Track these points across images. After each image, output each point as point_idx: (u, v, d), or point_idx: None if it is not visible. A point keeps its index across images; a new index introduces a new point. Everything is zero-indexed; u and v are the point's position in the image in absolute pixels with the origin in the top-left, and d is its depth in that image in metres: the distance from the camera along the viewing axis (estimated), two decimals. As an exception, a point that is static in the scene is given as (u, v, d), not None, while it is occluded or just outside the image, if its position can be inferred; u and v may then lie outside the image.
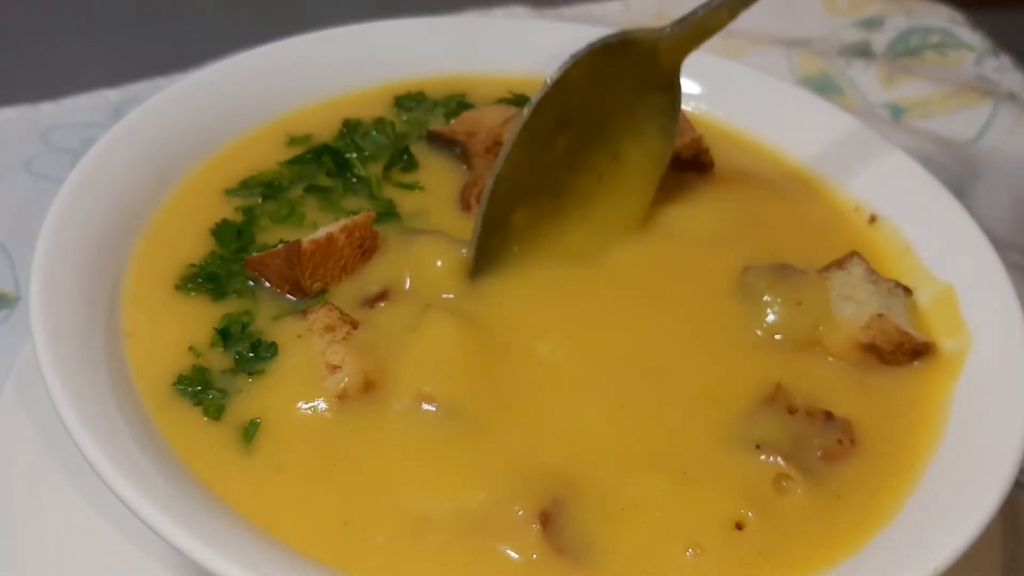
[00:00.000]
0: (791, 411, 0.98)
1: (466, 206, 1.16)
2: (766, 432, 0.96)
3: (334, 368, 0.96)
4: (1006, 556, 1.08)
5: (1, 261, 1.35)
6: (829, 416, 0.98)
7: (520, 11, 1.87)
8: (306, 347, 0.98)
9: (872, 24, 1.93)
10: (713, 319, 1.08)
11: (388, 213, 1.15)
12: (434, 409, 0.95)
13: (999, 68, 1.84)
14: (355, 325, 1.00)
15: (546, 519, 0.87)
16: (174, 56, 1.63)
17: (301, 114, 1.29)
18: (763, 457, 0.94)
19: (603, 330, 1.05)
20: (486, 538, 0.87)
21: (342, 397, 0.95)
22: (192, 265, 1.08)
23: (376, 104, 1.32)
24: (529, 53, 1.40)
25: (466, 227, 1.11)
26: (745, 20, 1.90)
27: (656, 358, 1.03)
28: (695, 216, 1.20)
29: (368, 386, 0.96)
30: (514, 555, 0.86)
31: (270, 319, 1.03)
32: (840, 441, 0.97)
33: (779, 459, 0.93)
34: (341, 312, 1.01)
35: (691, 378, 1.02)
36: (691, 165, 1.25)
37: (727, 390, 1.01)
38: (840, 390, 1.03)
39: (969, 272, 1.12)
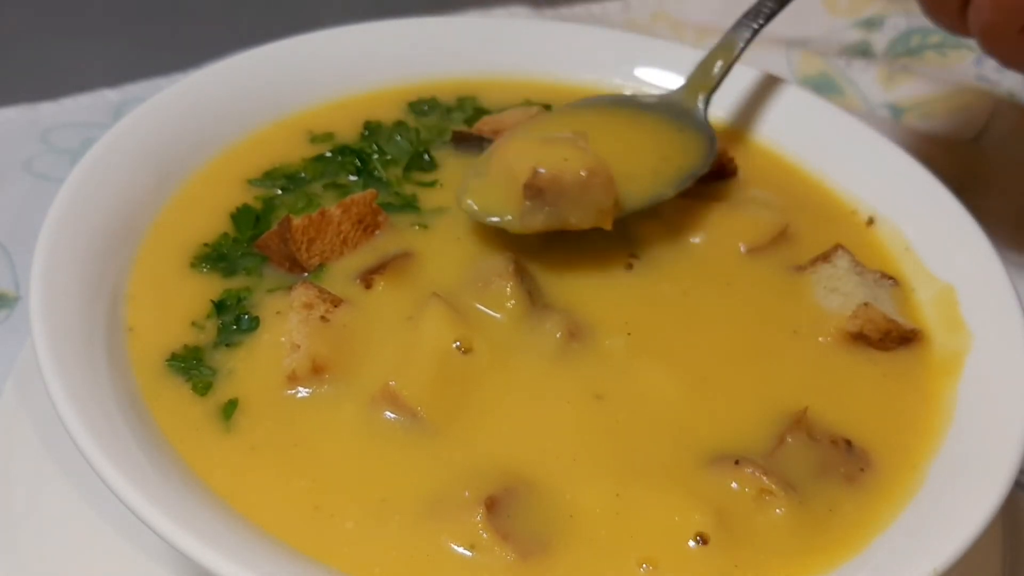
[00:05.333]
0: (813, 437, 0.97)
1: None
2: (792, 457, 0.95)
3: (295, 347, 0.97)
4: (1006, 556, 1.08)
5: (1, 261, 1.35)
6: (849, 444, 0.98)
7: (520, 11, 1.87)
8: (282, 324, 1.00)
9: (872, 24, 1.93)
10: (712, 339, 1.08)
11: (408, 206, 1.17)
12: (393, 413, 0.95)
13: (999, 68, 1.83)
14: (336, 303, 1.00)
15: (492, 504, 0.88)
16: (174, 56, 1.63)
17: (318, 112, 1.31)
18: (739, 474, 0.93)
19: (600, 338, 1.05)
20: (438, 521, 0.88)
21: (292, 378, 0.96)
22: (206, 245, 1.10)
23: (392, 106, 1.34)
24: (538, 54, 1.41)
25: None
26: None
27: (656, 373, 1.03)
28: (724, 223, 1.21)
29: (318, 370, 0.96)
30: (461, 537, 0.87)
31: (266, 292, 1.05)
32: (862, 469, 0.96)
33: (760, 474, 0.92)
34: (320, 290, 1.01)
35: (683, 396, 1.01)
36: (717, 174, 1.27)
37: (712, 404, 1.01)
38: (841, 396, 1.03)
39: (969, 272, 1.13)
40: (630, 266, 1.13)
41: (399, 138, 1.27)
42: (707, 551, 0.89)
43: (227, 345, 1.01)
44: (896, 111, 1.75)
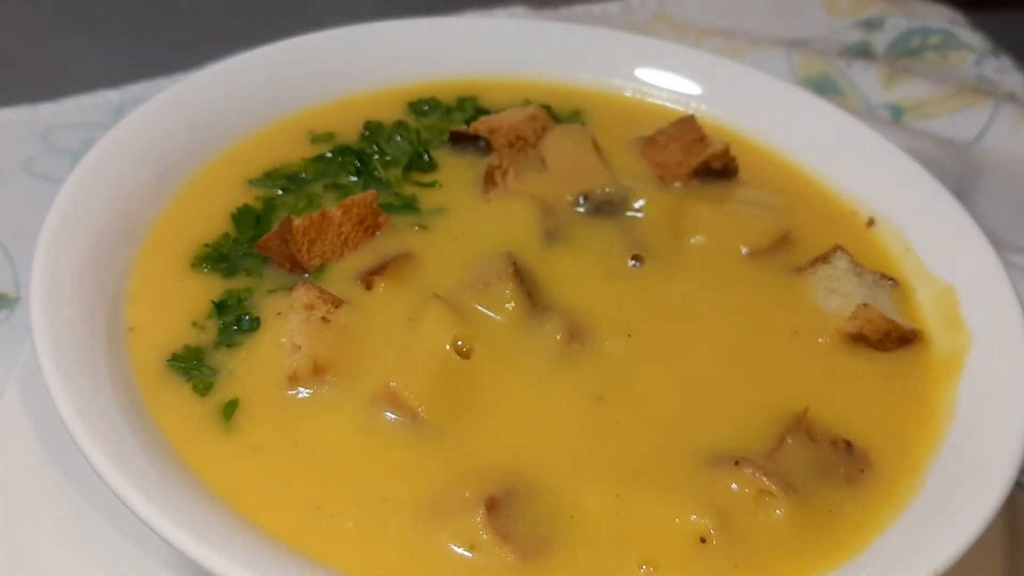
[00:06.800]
0: (813, 438, 0.97)
1: (491, 184, 1.19)
2: (792, 458, 0.95)
3: (296, 348, 0.97)
4: (1006, 556, 1.08)
5: (1, 261, 1.35)
6: (849, 445, 0.98)
7: (520, 11, 1.87)
8: (283, 324, 1.00)
9: (872, 25, 1.93)
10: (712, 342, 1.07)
11: (407, 206, 1.17)
12: (394, 413, 0.95)
13: (999, 69, 1.84)
14: (337, 304, 1.01)
15: (492, 504, 0.88)
16: (174, 56, 1.63)
17: (318, 112, 1.31)
18: (739, 474, 0.93)
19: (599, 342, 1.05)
20: (438, 521, 0.88)
21: (292, 379, 0.96)
22: (207, 245, 1.11)
23: (392, 106, 1.34)
24: (538, 54, 1.41)
25: (483, 216, 1.15)
26: (745, 20, 1.91)
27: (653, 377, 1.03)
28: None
29: (319, 370, 0.97)
30: (461, 537, 0.87)
31: (266, 293, 1.05)
32: (862, 470, 0.97)
33: (760, 475, 0.92)
34: (321, 291, 1.02)
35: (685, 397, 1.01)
36: (720, 173, 1.27)
37: (713, 405, 1.01)
38: (841, 396, 1.03)
39: (969, 272, 1.13)
40: (631, 267, 1.13)
41: (399, 138, 1.27)
42: (707, 552, 0.89)
43: (228, 345, 1.01)
44: (896, 111, 1.75)
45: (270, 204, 1.17)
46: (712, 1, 1.95)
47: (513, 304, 1.04)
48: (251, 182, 1.20)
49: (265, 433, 0.94)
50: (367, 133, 1.29)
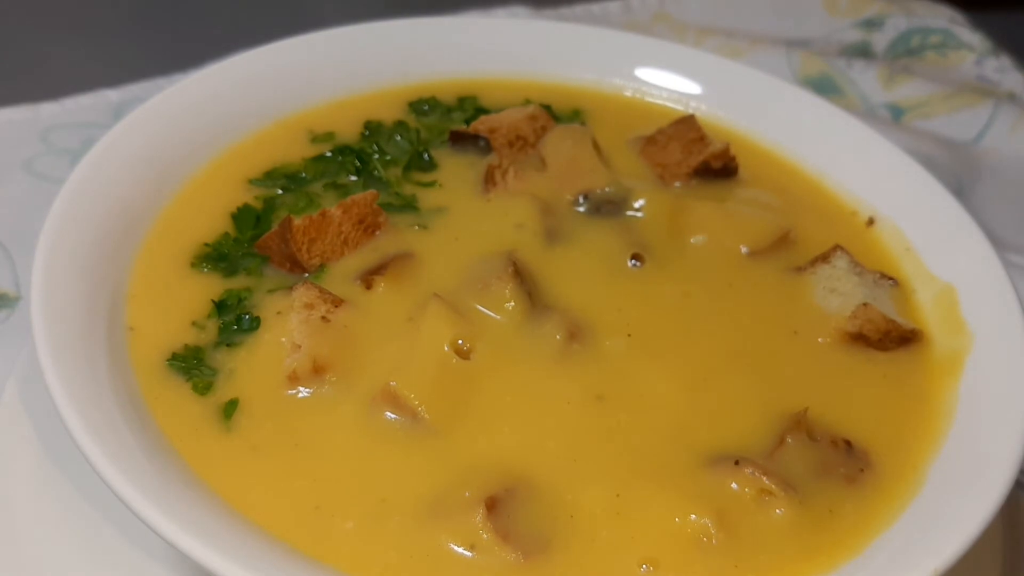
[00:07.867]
0: (813, 438, 0.97)
1: (491, 184, 1.19)
2: (792, 457, 0.95)
3: (296, 348, 0.97)
4: (1006, 556, 1.08)
5: (1, 261, 1.35)
6: (849, 445, 0.98)
7: (520, 11, 1.87)
8: (283, 324, 1.00)
9: (872, 24, 1.93)
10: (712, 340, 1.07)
11: (408, 206, 1.17)
12: (393, 413, 0.95)
13: (999, 68, 1.84)
14: (337, 304, 1.01)
15: (492, 504, 0.88)
16: (174, 56, 1.63)
17: (318, 112, 1.31)
18: (739, 474, 0.93)
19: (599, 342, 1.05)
20: (438, 521, 0.88)
21: (292, 378, 0.96)
22: (207, 244, 1.11)
23: (392, 105, 1.34)
24: (538, 54, 1.41)
25: (483, 216, 1.15)
26: (745, 20, 1.91)
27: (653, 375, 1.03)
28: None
29: (319, 370, 0.97)
30: (461, 537, 0.87)
31: (266, 292, 1.05)
32: (862, 470, 0.97)
33: (760, 475, 0.92)
34: (321, 290, 1.02)
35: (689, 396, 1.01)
36: (720, 173, 1.27)
37: (713, 404, 1.01)
38: (841, 396, 1.04)
39: (969, 272, 1.13)
40: (631, 267, 1.13)
41: (399, 138, 1.27)
42: (707, 551, 0.89)
43: (228, 345, 1.01)
44: (896, 111, 1.75)
45: (270, 204, 1.17)
46: (712, 1, 1.95)
47: (513, 304, 1.04)
48: (251, 182, 1.20)
49: (265, 433, 0.94)
50: (367, 133, 1.29)
